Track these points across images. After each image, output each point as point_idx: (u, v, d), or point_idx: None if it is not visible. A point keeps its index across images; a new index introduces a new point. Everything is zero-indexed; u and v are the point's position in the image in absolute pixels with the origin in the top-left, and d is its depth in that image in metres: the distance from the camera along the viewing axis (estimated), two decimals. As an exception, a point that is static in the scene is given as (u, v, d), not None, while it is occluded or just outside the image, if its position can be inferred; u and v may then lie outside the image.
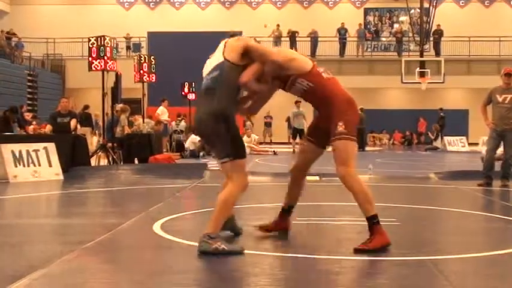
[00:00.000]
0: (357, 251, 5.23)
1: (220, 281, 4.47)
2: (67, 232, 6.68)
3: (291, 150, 24.27)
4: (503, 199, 10.20)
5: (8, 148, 12.15)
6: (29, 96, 30.76)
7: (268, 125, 33.50)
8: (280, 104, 24.07)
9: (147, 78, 20.83)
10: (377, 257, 5.23)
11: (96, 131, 23.21)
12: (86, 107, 22.32)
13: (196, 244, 5.28)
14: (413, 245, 5.80)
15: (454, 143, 28.19)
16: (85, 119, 20.56)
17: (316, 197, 10.10)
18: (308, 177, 13.36)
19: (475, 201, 10.02)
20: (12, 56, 32.19)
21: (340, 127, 5.39)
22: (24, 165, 12.22)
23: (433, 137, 30.45)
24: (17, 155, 12.17)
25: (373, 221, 5.38)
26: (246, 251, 5.28)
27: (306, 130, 24.33)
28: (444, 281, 4.50)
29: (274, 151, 24.21)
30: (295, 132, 24.28)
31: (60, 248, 5.56)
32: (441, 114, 30.49)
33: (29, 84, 31.29)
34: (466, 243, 6.07)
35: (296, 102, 23.85)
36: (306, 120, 23.73)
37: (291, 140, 25.06)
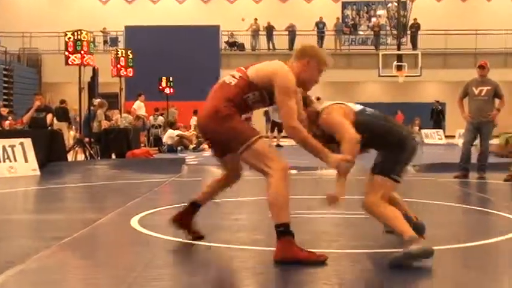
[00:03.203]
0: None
1: (198, 275, 4.46)
2: (44, 228, 6.64)
3: (274, 143, 24.38)
4: (480, 191, 10.30)
5: (-17, 144, 12.06)
6: (4, 91, 30.42)
7: (248, 119, 33.28)
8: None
9: (125, 73, 20.71)
10: (354, 250, 5.25)
11: (73, 126, 23.08)
12: (62, 101, 22.17)
13: (174, 238, 5.27)
14: (390, 237, 5.82)
15: (431, 136, 28.38)
16: (62, 113, 20.42)
17: (293, 190, 10.10)
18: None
19: (453, 193, 10.09)
20: (-13, 50, 31.89)
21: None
22: (0, 161, 12.13)
23: (417, 131, 30.62)
24: (-7, 150, 12.08)
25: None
26: (223, 245, 5.28)
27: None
28: (423, 272, 4.54)
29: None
30: (274, 125, 24.57)
31: (37, 244, 5.52)
32: (439, 107, 30.54)
33: (4, 79, 30.96)
34: (444, 235, 6.10)
35: None
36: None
37: (269, 133, 25.22)
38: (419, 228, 5.35)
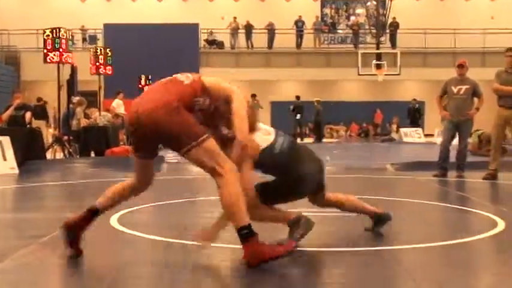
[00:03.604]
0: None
1: (178, 274, 4.44)
2: (22, 227, 6.58)
3: None
4: (459, 189, 10.36)
5: (-39, 142, 11.95)
6: (-18, 88, 30.26)
7: None
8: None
9: (104, 71, 20.61)
10: (335, 248, 5.25)
11: (52, 124, 22.93)
12: (40, 99, 22.01)
13: (154, 237, 5.24)
14: (370, 235, 5.83)
15: (410, 134, 28.53)
16: (40, 111, 20.28)
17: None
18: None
19: (432, 191, 10.14)
20: (-36, 48, 31.62)
21: None
22: (-23, 159, 12.04)
23: (395, 130, 30.81)
24: (-30, 148, 11.98)
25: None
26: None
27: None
28: (402, 271, 4.54)
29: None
30: None
31: (15, 243, 5.47)
32: (416, 105, 30.66)
33: (-18, 76, 30.79)
34: (424, 233, 6.13)
35: (252, 95, 25.06)
36: (259, 111, 24.71)
37: None
38: (384, 218, 5.79)
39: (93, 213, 4.86)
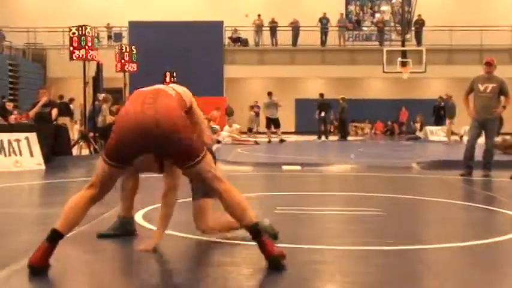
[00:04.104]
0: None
1: (201, 270, 4.45)
2: (49, 222, 6.60)
3: (276, 139, 24.78)
4: (485, 189, 10.27)
5: (-12, 138, 12.08)
6: (10, 86, 30.51)
7: (257, 114, 32.43)
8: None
9: (129, 68, 20.73)
10: (359, 247, 5.23)
11: (77, 120, 23.08)
12: (61, 96, 22.16)
13: (177, 233, 5.25)
14: (395, 234, 5.81)
15: (436, 133, 28.32)
16: (64, 108, 20.42)
17: (297, 187, 10.13)
18: (289, 167, 13.42)
19: (457, 191, 10.06)
20: (-8, 45, 31.93)
21: None
22: (5, 155, 12.15)
23: (418, 128, 30.61)
24: (-2, 144, 12.11)
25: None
26: (228, 241, 5.26)
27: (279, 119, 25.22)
28: (427, 271, 4.51)
29: (255, 141, 24.36)
30: (268, 121, 25.40)
31: (42, 238, 5.50)
32: (442, 103, 30.40)
33: (10, 74, 31.03)
34: (449, 233, 6.09)
35: (268, 93, 25.51)
36: (277, 109, 25.52)
37: (266, 130, 25.91)
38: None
39: (57, 239, 4.46)
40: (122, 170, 4.62)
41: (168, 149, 4.43)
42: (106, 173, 4.56)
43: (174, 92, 4.70)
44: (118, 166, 4.53)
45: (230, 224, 5.08)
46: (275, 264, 4.37)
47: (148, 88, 4.69)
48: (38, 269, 4.26)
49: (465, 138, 16.53)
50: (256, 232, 4.47)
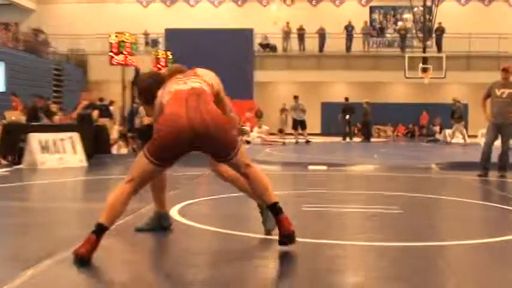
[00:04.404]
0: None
1: (233, 263, 4.49)
2: (90, 216, 6.69)
3: (303, 140, 24.79)
4: (501, 189, 10.18)
5: (36, 137, 12.24)
6: (54, 88, 30.89)
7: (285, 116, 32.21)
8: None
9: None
10: (380, 243, 5.24)
11: (117, 121, 23.23)
12: (101, 99, 22.34)
13: (210, 228, 5.30)
14: (415, 231, 5.80)
15: (455, 135, 28.04)
16: (104, 110, 20.59)
17: (323, 186, 10.13)
18: (315, 167, 13.42)
19: (474, 190, 9.99)
20: (39, 51, 32.27)
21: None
22: (50, 153, 12.31)
23: (438, 131, 30.32)
24: (44, 143, 12.26)
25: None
26: (256, 235, 5.30)
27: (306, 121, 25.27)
28: (445, 266, 4.51)
29: (283, 141, 24.38)
30: (296, 123, 25.33)
31: (83, 231, 5.58)
32: (460, 105, 30.09)
33: (54, 77, 31.44)
34: (466, 231, 6.07)
35: (295, 97, 25.62)
36: (304, 112, 25.66)
37: (293, 131, 25.89)
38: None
39: (102, 232, 4.52)
40: (163, 168, 4.70)
41: (213, 148, 4.63)
42: (147, 170, 4.59)
43: (205, 83, 4.84)
44: (160, 165, 4.59)
45: (243, 184, 5.14)
46: (290, 239, 4.62)
47: (186, 88, 4.75)
48: (87, 259, 4.31)
49: (469, 140, 16.40)
50: (277, 209, 4.68)
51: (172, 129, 4.48)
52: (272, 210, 4.74)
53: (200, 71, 5.09)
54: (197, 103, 4.59)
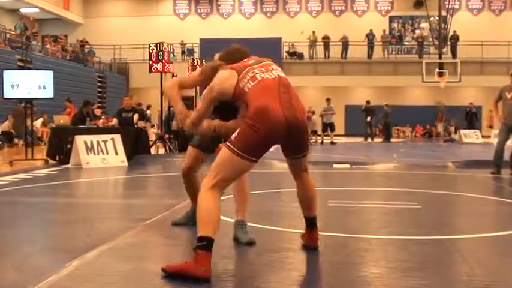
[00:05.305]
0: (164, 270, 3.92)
1: (263, 256, 4.46)
2: (130, 211, 6.75)
3: (328, 141, 24.76)
4: (513, 185, 10.03)
5: (81, 139, 12.33)
6: (98, 94, 31.22)
7: (308, 119, 31.57)
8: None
9: (199, 79, 20.86)
10: (400, 236, 5.18)
11: (154, 124, 23.36)
12: (139, 104, 22.43)
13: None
14: (432, 225, 5.72)
15: (469, 136, 27.76)
16: (140, 114, 20.67)
17: (347, 183, 10.06)
18: (339, 165, 13.32)
19: (488, 187, 9.85)
20: (85, 60, 32.62)
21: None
22: (94, 154, 12.39)
23: (453, 131, 30.00)
24: (89, 144, 12.34)
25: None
26: (285, 229, 5.27)
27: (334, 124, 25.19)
28: (460, 258, 4.45)
29: (310, 142, 24.40)
30: (325, 126, 25.29)
31: (125, 225, 5.61)
32: (473, 109, 29.75)
33: (98, 84, 31.77)
34: (480, 224, 5.98)
35: (327, 99, 25.54)
36: (332, 114, 25.61)
37: (321, 133, 25.92)
38: None
39: (212, 245, 3.94)
40: (254, 163, 4.08)
41: (297, 143, 4.27)
42: (237, 166, 4.03)
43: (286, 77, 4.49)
44: (253, 160, 4.04)
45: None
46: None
47: (272, 76, 4.35)
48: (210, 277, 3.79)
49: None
50: (315, 224, 4.57)
51: (271, 126, 3.97)
52: (310, 222, 4.56)
53: (271, 63, 4.66)
54: (289, 97, 4.20)
